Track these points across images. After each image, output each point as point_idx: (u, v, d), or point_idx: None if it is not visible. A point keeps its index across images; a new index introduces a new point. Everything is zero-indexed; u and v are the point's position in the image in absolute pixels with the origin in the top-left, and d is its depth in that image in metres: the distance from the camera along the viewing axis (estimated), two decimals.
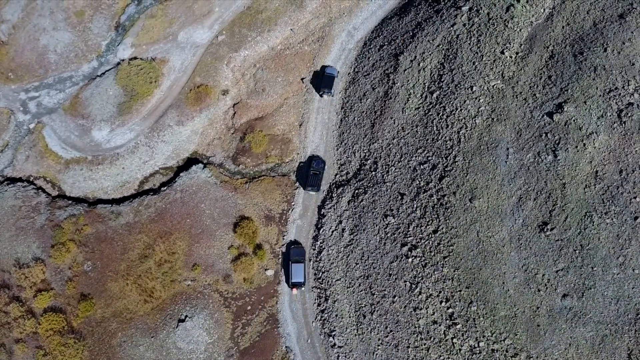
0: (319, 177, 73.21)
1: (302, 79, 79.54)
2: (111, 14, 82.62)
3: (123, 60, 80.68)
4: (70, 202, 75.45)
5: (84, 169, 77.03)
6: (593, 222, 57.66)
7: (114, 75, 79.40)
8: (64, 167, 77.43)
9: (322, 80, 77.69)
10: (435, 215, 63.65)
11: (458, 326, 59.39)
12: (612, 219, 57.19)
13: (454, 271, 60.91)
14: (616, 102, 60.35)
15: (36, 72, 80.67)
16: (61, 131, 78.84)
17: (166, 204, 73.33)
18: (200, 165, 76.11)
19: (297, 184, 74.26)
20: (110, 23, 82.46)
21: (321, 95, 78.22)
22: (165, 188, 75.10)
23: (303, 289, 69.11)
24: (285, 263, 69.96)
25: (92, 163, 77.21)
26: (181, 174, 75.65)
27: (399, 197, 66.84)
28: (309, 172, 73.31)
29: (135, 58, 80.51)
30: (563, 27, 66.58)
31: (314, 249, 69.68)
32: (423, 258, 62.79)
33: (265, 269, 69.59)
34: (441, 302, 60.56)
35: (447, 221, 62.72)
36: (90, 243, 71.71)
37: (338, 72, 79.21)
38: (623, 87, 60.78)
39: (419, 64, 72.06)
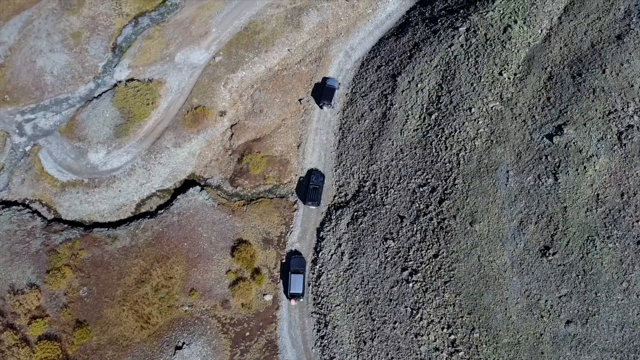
0: (318, 192, 71.87)
1: (299, 99, 78.36)
2: (108, 35, 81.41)
3: (120, 81, 79.36)
4: (66, 225, 73.67)
5: (80, 192, 75.39)
6: (595, 247, 56.29)
7: (111, 97, 78.05)
8: (60, 190, 75.77)
9: (322, 92, 76.68)
10: (436, 239, 62.18)
11: (460, 353, 57.70)
12: (614, 243, 55.85)
13: (456, 297, 59.34)
14: (616, 125, 59.26)
15: (32, 94, 79.24)
16: (57, 154, 77.27)
17: (163, 228, 71.68)
18: (198, 187, 74.59)
19: (296, 205, 72.78)
20: (107, 44, 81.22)
21: (321, 107, 77.11)
22: (162, 211, 73.48)
23: (301, 300, 67.52)
24: (285, 273, 68.39)
25: (89, 186, 75.58)
26: (178, 197, 74.07)
27: (399, 220, 65.40)
28: (308, 187, 72.05)
29: (132, 79, 79.22)
30: (561, 48, 65.68)
31: (313, 273, 68.04)
32: (424, 283, 61.23)
33: (264, 294, 67.86)
34: (443, 329, 58.92)
35: (448, 245, 61.26)
36: (86, 268, 69.90)
37: (339, 84, 78.30)
38: (622, 109, 59.74)
39: (417, 85, 70.96)
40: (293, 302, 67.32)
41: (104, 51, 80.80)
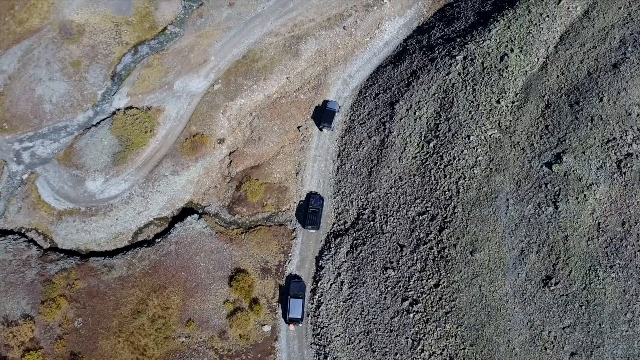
0: (318, 215, 70.96)
1: (298, 127, 77.97)
2: (107, 63, 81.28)
3: (119, 109, 78.95)
4: (62, 255, 72.32)
5: (77, 220, 74.23)
6: (598, 277, 55.25)
7: (109, 125, 77.53)
8: (56, 219, 74.62)
9: (322, 115, 76.51)
10: (436, 269, 61.06)
11: None
12: (617, 273, 54.82)
13: (457, 327, 57.96)
14: (615, 153, 58.80)
15: (31, 122, 78.66)
16: (54, 182, 76.34)
17: (160, 257, 70.41)
18: (196, 215, 73.55)
19: (295, 233, 71.72)
20: (107, 72, 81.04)
21: (321, 129, 76.80)
22: (159, 240, 72.29)
23: (300, 325, 65.98)
24: (284, 297, 67.02)
25: (85, 214, 74.46)
26: (176, 225, 72.97)
27: (399, 249, 64.33)
28: (307, 210, 71.17)
29: (131, 107, 78.82)
30: (558, 76, 65.64)
31: (312, 303, 66.58)
32: (425, 313, 59.88)
33: (262, 325, 66.27)
34: None
35: (449, 275, 60.12)
36: (81, 298, 68.35)
37: (339, 107, 78.12)
38: (621, 137, 59.37)
39: (415, 113, 70.69)
40: (292, 327, 65.88)
41: (103, 79, 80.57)
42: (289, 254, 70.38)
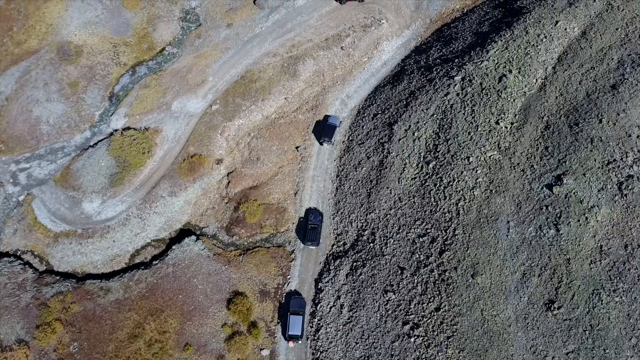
0: (317, 231, 69.94)
1: (297, 147, 77.08)
2: (105, 84, 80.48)
3: (116, 130, 77.94)
4: (58, 277, 70.68)
5: (74, 242, 72.78)
6: (602, 301, 54.07)
7: (107, 146, 76.45)
8: (52, 241, 73.14)
9: (323, 129, 75.86)
10: (437, 292, 59.78)
11: None
12: (621, 297, 53.65)
13: (459, 352, 56.54)
14: (616, 175, 57.98)
15: (28, 143, 77.54)
16: (51, 203, 75.00)
17: (157, 279, 68.92)
18: (193, 237, 72.20)
19: (293, 255, 70.44)
20: (104, 93, 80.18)
21: (321, 144, 76.16)
22: (156, 262, 70.82)
23: (300, 342, 64.48)
24: (284, 314, 65.71)
25: (82, 236, 73.02)
26: (173, 247, 71.58)
27: (399, 272, 63.08)
28: (307, 226, 70.08)
29: (128, 128, 77.85)
30: (556, 97, 65.07)
31: (312, 327, 65.09)
32: (426, 338, 58.44)
33: (261, 349, 64.68)
34: None
35: (450, 298, 58.83)
36: (77, 322, 66.64)
37: (341, 122, 77.51)
38: (621, 158, 58.60)
39: (413, 134, 69.90)
40: (291, 343, 64.53)
41: (100, 100, 79.69)
42: (288, 276, 69.03)
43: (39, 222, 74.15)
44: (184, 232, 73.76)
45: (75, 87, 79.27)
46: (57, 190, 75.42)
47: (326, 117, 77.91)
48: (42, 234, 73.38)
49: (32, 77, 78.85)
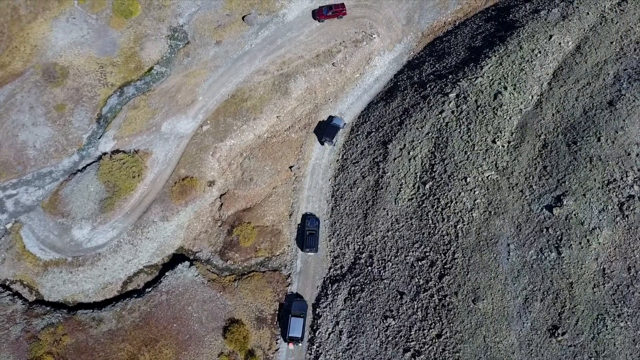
0: (315, 237, 67.70)
1: (290, 167, 73.97)
2: (92, 106, 76.67)
3: (105, 153, 74.22)
4: (48, 308, 67.09)
5: (64, 271, 69.15)
6: (606, 326, 51.70)
7: (96, 170, 72.78)
8: (42, 270, 69.45)
9: (326, 129, 73.18)
10: (438, 318, 57.13)
11: None
12: (626, 322, 51.31)
13: None
14: (616, 195, 55.58)
15: (14, 169, 73.64)
16: (40, 231, 71.23)
17: (151, 308, 65.60)
18: (187, 263, 68.90)
19: (289, 279, 67.46)
20: (92, 115, 76.39)
21: (322, 144, 73.64)
22: (150, 289, 67.48)
23: (300, 345, 62.26)
24: (285, 316, 63.83)
25: (72, 265, 69.40)
26: (166, 274, 68.23)
27: (399, 297, 60.33)
28: (304, 233, 67.57)
29: (117, 151, 74.21)
30: (553, 114, 62.54)
31: (310, 354, 62.19)
32: None
33: None
34: None
35: (451, 324, 56.20)
36: (69, 355, 63.15)
37: (345, 124, 74.74)
38: (622, 178, 56.21)
39: (409, 153, 67.07)
40: (291, 346, 62.34)
41: (88, 122, 75.93)
42: (284, 302, 66.01)
43: (28, 251, 70.40)
44: (177, 257, 70.50)
45: (61, 109, 75.45)
46: (45, 217, 71.69)
47: (330, 117, 75.32)
48: (31, 263, 69.69)
49: (17, 100, 74.90)
